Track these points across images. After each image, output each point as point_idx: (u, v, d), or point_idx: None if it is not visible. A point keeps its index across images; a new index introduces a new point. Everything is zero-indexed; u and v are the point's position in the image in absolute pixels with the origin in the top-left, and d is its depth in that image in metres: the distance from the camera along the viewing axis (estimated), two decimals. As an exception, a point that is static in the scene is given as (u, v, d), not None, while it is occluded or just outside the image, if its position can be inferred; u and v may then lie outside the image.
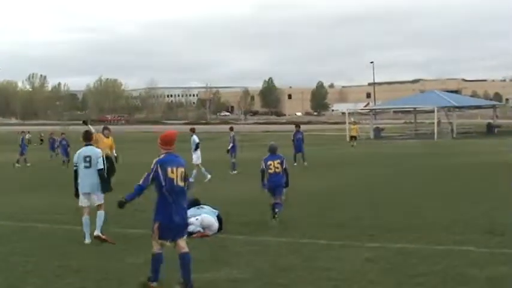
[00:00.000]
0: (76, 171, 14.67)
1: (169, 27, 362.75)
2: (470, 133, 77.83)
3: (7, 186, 28.06)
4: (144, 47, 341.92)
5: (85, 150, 14.72)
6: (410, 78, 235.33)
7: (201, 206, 15.66)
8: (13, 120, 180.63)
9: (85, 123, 21.41)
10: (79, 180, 14.63)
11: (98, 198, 14.71)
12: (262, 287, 10.29)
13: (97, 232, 14.37)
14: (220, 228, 15.06)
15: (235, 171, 31.62)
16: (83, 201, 14.71)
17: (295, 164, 34.73)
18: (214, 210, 15.53)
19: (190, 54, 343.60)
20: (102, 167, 14.63)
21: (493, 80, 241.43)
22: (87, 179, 14.56)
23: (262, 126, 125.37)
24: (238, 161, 32.66)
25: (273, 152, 17.21)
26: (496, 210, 17.46)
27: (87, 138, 15.13)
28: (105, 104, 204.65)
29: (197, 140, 29.48)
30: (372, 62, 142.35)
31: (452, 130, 75.03)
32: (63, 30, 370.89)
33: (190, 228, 14.34)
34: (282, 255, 12.42)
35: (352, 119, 74.34)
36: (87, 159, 14.58)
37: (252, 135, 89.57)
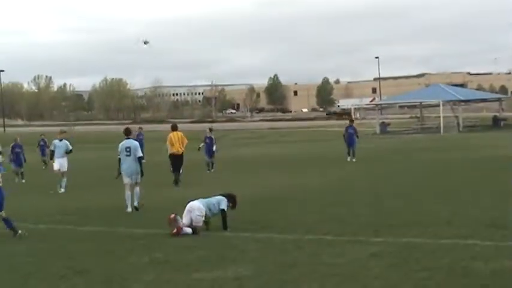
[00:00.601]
0: (119, 159, 19.30)
1: (173, 26, 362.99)
2: (476, 126, 77.60)
3: (9, 187, 28.06)
4: (148, 46, 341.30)
5: (126, 142, 19.32)
6: (416, 73, 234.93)
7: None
8: (19, 122, 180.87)
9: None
10: (122, 165, 19.22)
11: (136, 179, 19.20)
12: (267, 283, 10.26)
13: (135, 203, 18.91)
14: (225, 227, 15.02)
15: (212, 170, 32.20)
16: (125, 180, 19.18)
17: (348, 159, 35.06)
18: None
19: (194, 52, 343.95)
20: (140, 155, 19.35)
21: (499, 73, 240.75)
22: (128, 164, 19.16)
23: (268, 123, 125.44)
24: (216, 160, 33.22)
25: None
26: (500, 204, 17.36)
27: (128, 133, 19.75)
28: (111, 104, 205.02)
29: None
30: (377, 57, 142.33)
31: (458, 124, 74.88)
32: (68, 30, 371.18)
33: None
34: (287, 251, 12.39)
35: (356, 116, 74.19)
36: (128, 149, 19.16)
37: (259, 132, 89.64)
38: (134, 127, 33.02)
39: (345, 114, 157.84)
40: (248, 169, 32.06)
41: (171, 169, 26.46)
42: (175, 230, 14.51)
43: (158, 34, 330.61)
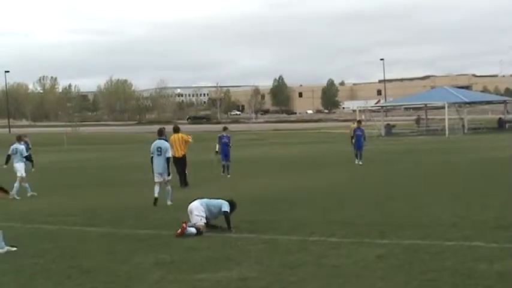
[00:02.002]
0: (152, 158, 20.59)
1: (178, 27, 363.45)
2: (481, 129, 77.57)
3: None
4: (153, 47, 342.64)
5: (158, 143, 20.64)
6: (421, 75, 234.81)
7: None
8: (24, 122, 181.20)
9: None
10: (154, 164, 20.52)
11: (166, 177, 20.43)
12: (272, 284, 10.26)
13: (168, 202, 20.12)
14: (229, 228, 15.04)
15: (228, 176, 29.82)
16: (156, 178, 20.47)
17: (356, 162, 34.47)
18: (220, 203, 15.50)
19: (199, 53, 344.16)
20: (169, 155, 20.58)
21: (504, 75, 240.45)
22: (158, 163, 20.40)
23: (273, 124, 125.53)
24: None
25: None
26: (504, 205, 17.42)
27: (161, 134, 21.25)
28: (116, 105, 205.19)
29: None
30: (382, 59, 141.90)
31: (463, 126, 74.86)
32: (73, 31, 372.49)
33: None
34: (292, 252, 12.39)
35: (363, 117, 74.22)
36: (159, 149, 20.44)
37: (263, 133, 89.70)
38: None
39: (204, 118, 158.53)
40: (253, 170, 32.07)
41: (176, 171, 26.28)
42: (179, 231, 14.54)
43: (164, 35, 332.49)
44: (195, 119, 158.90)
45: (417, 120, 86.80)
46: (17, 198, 23.45)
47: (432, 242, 12.76)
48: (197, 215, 14.90)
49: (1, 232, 13.53)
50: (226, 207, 15.15)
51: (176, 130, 26.87)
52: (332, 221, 16.00)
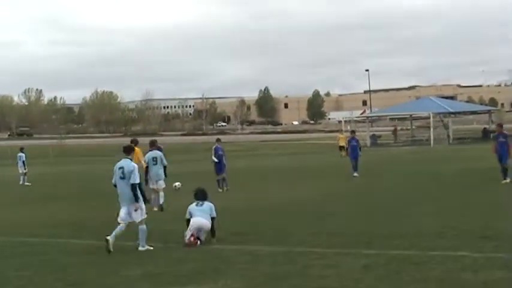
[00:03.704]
0: (147, 167, 22.53)
1: (164, 38, 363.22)
2: (466, 139, 77.92)
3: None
4: (139, 58, 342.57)
5: (152, 153, 22.56)
6: (406, 85, 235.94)
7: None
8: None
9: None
10: (150, 173, 22.52)
11: (161, 185, 22.75)
12: (257, 296, 10.29)
13: (161, 202, 22.29)
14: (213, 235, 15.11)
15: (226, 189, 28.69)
16: (151, 185, 22.40)
17: (354, 174, 33.27)
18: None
19: (185, 65, 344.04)
20: (166, 164, 22.97)
21: (488, 86, 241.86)
22: (156, 172, 22.62)
23: (259, 135, 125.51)
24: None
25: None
26: (489, 215, 17.55)
27: (152, 145, 22.97)
28: (102, 117, 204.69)
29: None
30: (367, 70, 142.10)
31: (448, 136, 75.16)
32: (58, 43, 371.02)
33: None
34: (277, 264, 12.41)
35: (348, 128, 74.42)
36: (154, 159, 22.67)
37: (249, 144, 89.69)
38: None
39: (24, 133, 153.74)
40: (238, 181, 32.04)
41: None
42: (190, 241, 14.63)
43: (149, 46, 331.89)
44: (18, 135, 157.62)
45: (394, 132, 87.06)
46: None
47: (418, 252, 12.80)
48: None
49: None
50: (214, 211, 15.37)
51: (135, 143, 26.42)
52: (317, 231, 16.03)
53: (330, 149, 65.09)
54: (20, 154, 40.30)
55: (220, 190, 28.00)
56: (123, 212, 14.77)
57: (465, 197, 22.43)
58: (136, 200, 14.64)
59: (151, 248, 14.56)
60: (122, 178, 14.75)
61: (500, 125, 29.23)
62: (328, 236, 15.24)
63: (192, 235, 14.78)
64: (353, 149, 34.69)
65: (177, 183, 22.39)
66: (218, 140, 30.82)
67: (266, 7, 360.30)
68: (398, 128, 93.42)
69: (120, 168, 14.86)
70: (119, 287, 11.16)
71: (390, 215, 18.45)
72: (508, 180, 25.78)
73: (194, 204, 15.46)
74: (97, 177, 40.08)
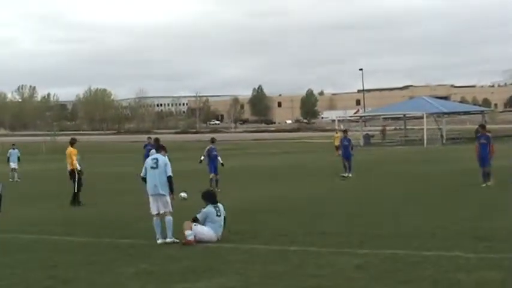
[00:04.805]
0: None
1: (158, 36, 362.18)
2: (460, 139, 78.07)
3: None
4: (132, 56, 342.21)
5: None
6: (400, 85, 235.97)
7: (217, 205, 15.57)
8: (2, 131, 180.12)
9: None
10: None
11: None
12: (251, 295, 10.28)
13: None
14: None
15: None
16: None
17: (345, 174, 33.09)
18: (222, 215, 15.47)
19: (179, 63, 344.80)
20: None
21: (482, 86, 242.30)
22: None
23: (253, 134, 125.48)
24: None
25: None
26: (482, 216, 17.61)
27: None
28: (95, 114, 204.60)
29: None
30: (361, 69, 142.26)
31: (441, 136, 75.29)
32: (52, 40, 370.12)
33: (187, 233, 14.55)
34: (272, 263, 12.39)
35: (341, 127, 74.46)
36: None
37: (242, 143, 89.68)
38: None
39: None
40: (232, 180, 32.01)
41: None
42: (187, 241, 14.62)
43: (143, 44, 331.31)
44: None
45: (382, 131, 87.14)
46: None
47: (411, 252, 12.81)
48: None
49: None
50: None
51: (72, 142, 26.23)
52: (312, 230, 16.04)
53: (325, 148, 65.12)
54: (12, 150, 40.21)
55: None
56: (153, 204, 15.33)
57: (457, 197, 22.47)
58: (172, 191, 15.31)
59: (178, 241, 14.78)
60: (154, 168, 15.32)
61: (482, 126, 28.31)
62: (322, 235, 15.24)
63: (194, 237, 14.72)
64: (345, 148, 34.52)
65: (182, 194, 22.15)
66: (213, 140, 29.81)
67: (261, 6, 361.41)
68: (392, 127, 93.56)
69: (153, 159, 15.53)
70: (111, 285, 11.13)
71: (384, 215, 18.45)
72: (489, 183, 25.12)
73: (215, 211, 15.30)
74: (89, 174, 39.99)
